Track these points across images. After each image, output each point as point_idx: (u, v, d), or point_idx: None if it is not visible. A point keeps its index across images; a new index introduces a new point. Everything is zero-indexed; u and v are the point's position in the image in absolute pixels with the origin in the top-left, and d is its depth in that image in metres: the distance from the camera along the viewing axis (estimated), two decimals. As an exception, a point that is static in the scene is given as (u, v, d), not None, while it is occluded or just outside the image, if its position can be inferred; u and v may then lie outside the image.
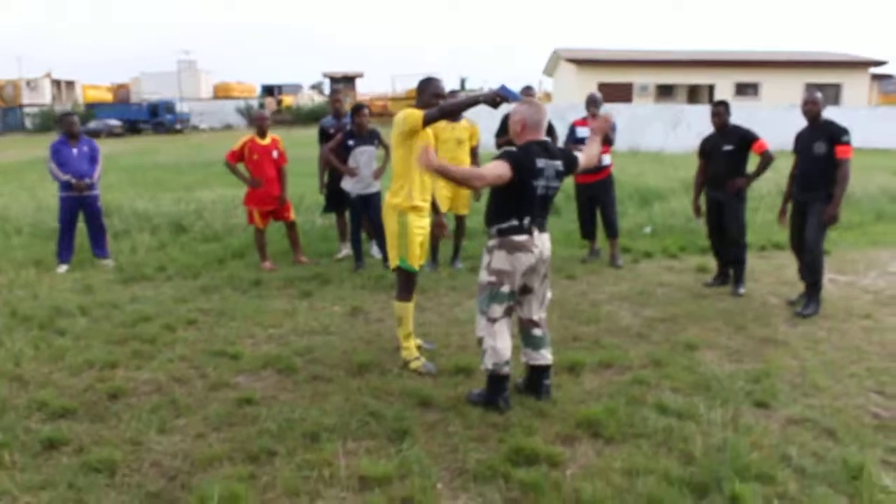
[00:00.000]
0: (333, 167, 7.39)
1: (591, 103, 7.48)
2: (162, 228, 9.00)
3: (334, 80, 56.26)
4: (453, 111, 4.51)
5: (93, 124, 42.92)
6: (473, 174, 4.02)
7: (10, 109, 50.37)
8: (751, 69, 33.97)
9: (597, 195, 7.51)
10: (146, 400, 4.21)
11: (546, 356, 4.18)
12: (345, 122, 7.70)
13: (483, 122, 7.74)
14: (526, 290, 4.12)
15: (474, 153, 7.43)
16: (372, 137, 7.22)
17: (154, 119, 42.94)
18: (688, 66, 34.57)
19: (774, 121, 23.42)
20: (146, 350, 5.05)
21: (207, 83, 55.35)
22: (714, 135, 6.60)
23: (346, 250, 7.95)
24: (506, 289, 3.98)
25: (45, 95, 52.28)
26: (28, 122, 48.22)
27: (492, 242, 4.04)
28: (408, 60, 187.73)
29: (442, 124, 7.31)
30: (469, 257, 7.67)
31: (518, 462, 3.39)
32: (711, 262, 7.35)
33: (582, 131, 7.50)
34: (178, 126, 42.97)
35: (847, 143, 5.69)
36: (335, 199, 7.88)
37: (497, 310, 4.01)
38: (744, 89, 34.10)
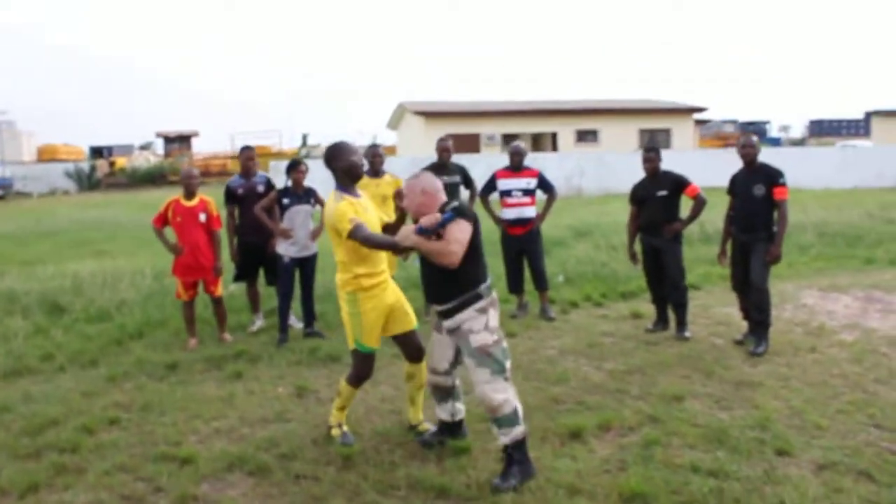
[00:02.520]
0: (258, 228, 6.73)
1: (516, 154, 7.37)
2: (33, 309, 7.79)
3: (168, 139, 53.68)
4: (375, 246, 4.06)
5: None
6: (447, 250, 3.74)
7: None
8: (590, 117, 36.00)
9: (525, 247, 7.33)
10: (99, 529, 3.42)
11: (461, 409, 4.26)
12: (255, 182, 7.07)
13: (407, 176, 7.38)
14: None
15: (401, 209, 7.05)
16: (308, 196, 6.65)
17: (-30, 185, 38.63)
18: (531, 115, 36.14)
19: (619, 164, 24.96)
20: (70, 463, 4.17)
21: (30, 145, 50.92)
22: (645, 181, 6.64)
23: (260, 322, 7.24)
24: (504, 342, 3.91)
25: None
26: None
27: (482, 303, 3.83)
28: (244, 116, 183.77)
29: (365, 180, 6.88)
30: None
31: (587, 554, 3.00)
32: (641, 307, 7.38)
33: (504, 183, 7.36)
34: (0, 192, 38.93)
35: (784, 185, 5.88)
36: (247, 266, 7.19)
37: (509, 366, 3.87)
38: (584, 136, 36.06)
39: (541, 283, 7.42)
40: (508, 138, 36.52)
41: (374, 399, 5.10)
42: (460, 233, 3.74)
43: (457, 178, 7.45)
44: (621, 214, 14.04)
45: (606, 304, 7.93)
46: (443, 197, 4.04)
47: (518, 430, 3.69)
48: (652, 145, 6.68)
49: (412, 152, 33.30)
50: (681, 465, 3.81)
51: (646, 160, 6.54)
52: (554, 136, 36.38)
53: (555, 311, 7.47)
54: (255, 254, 7.07)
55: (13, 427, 4.78)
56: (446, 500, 3.56)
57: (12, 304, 7.95)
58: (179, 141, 52.74)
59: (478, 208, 7.57)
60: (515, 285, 7.51)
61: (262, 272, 7.29)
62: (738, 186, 6.11)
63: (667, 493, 3.50)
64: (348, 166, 4.28)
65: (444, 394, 4.18)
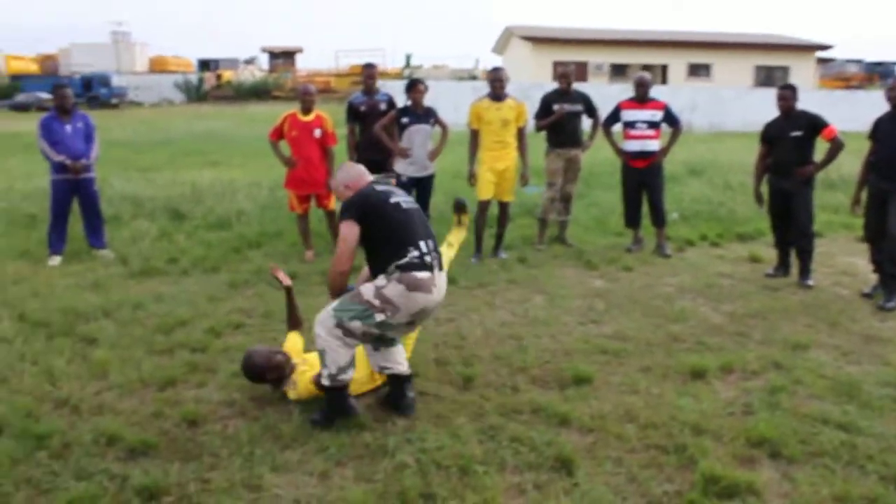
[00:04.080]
0: (378, 145, 6.77)
1: (641, 85, 7.09)
2: (157, 214, 8.18)
3: (273, 54, 54.53)
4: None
5: (21, 97, 40.31)
6: (337, 263, 3.67)
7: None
8: (703, 50, 34.30)
9: (646, 180, 7.13)
10: (234, 427, 3.61)
11: (404, 363, 3.86)
12: (377, 99, 7.08)
13: (529, 102, 7.20)
14: (409, 325, 3.72)
15: (521, 134, 6.90)
16: (428, 115, 6.67)
17: (88, 93, 40.23)
18: (642, 45, 34.70)
19: (734, 101, 23.74)
20: (201, 362, 4.42)
21: (142, 56, 52.65)
22: (779, 119, 6.27)
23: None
24: (380, 317, 3.51)
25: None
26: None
27: (395, 275, 3.55)
28: (350, 35, 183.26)
29: (485, 103, 6.82)
30: (508, 247, 7.19)
31: (716, 493, 2.96)
32: (760, 251, 7.13)
33: (628, 115, 7.10)
34: (115, 101, 40.68)
35: (935, 132, 5.44)
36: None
37: (357, 327, 3.52)
38: (696, 70, 34.47)
39: (659, 218, 7.22)
40: (617, 68, 35.27)
41: (492, 323, 5.16)
42: (343, 238, 3.61)
43: (579, 107, 7.26)
44: (736, 153, 13.54)
45: (723, 244, 7.69)
46: (367, 179, 3.89)
47: (325, 373, 3.56)
48: (788, 83, 6.27)
49: (518, 78, 32.62)
50: (808, 415, 3.69)
51: (780, 98, 6.16)
52: (664, 68, 34.86)
53: (671, 248, 7.29)
54: (374, 171, 7.10)
55: (148, 324, 5.09)
56: (569, 428, 3.57)
57: (138, 208, 8.37)
58: (284, 56, 53.40)
59: (601, 138, 7.43)
60: (633, 219, 7.34)
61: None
62: (881, 132, 5.69)
63: (795, 441, 3.40)
64: None
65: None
